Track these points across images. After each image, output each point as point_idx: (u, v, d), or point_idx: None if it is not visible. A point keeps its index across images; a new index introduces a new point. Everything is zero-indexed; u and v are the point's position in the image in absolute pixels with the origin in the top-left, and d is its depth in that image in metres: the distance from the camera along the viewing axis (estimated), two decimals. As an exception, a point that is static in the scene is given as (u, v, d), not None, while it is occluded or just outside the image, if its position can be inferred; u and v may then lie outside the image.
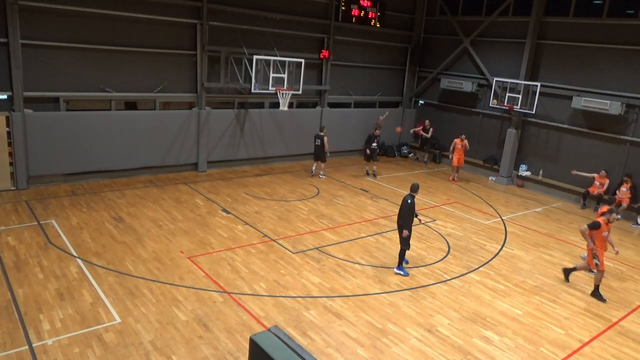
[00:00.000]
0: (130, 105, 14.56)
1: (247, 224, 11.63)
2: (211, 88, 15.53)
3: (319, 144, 16.11)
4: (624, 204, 14.74)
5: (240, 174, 15.92)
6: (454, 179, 17.70)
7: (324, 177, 16.39)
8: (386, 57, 20.70)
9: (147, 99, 14.63)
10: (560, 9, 16.66)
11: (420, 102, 21.69)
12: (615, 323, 8.69)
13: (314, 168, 16.53)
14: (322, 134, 16.22)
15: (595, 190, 15.38)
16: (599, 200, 15.33)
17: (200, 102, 15.37)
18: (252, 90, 14.77)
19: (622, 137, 15.40)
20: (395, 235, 11.66)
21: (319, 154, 16.24)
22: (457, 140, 17.66)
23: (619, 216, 14.74)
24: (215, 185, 14.43)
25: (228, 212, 12.25)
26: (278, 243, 10.71)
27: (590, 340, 8.05)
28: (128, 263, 9.19)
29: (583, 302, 9.34)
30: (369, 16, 18.94)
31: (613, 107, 14.87)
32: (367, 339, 7.47)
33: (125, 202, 12.37)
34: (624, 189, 14.87)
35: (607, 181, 15.24)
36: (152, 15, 13.93)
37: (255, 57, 14.50)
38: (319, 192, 14.71)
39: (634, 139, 15.13)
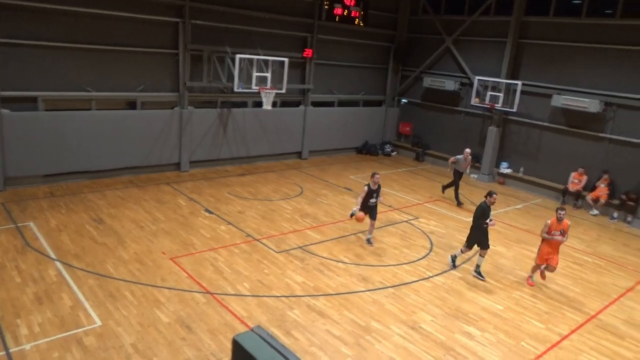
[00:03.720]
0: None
1: (230, 223, 11.57)
2: (194, 87, 15.41)
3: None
4: (602, 200, 15.03)
5: (223, 174, 15.83)
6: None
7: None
8: (370, 56, 20.77)
9: (128, 99, 14.45)
10: (541, 9, 16.90)
11: (403, 100, 21.81)
12: (594, 316, 8.86)
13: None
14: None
15: (574, 186, 15.65)
16: (577, 196, 15.62)
17: (182, 102, 15.23)
18: (235, 90, 14.69)
19: (600, 134, 15.69)
20: (379, 234, 11.76)
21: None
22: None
23: (596, 212, 15.05)
24: (198, 185, 14.32)
25: (211, 212, 12.17)
26: (261, 243, 10.68)
27: (570, 334, 8.19)
28: (109, 265, 9.07)
29: (563, 297, 9.50)
30: (353, 15, 18.97)
31: (592, 105, 15.14)
32: (350, 337, 7.49)
33: (105, 203, 12.20)
34: (602, 185, 15.18)
35: (585, 178, 15.53)
36: (134, 14, 13.75)
37: (238, 56, 14.42)
38: (302, 191, 14.70)
39: (612, 136, 15.42)
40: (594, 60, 15.72)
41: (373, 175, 10.76)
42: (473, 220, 9.81)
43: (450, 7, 19.69)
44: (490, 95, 17.31)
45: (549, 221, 9.40)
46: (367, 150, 20.81)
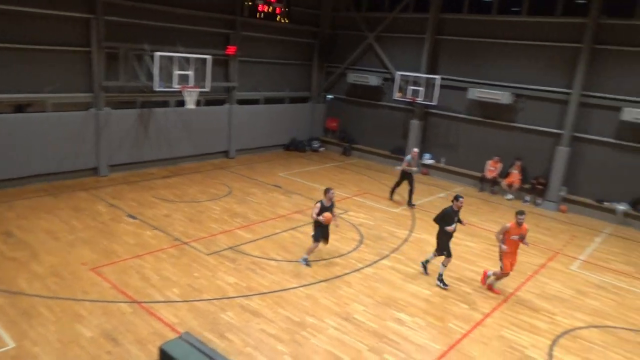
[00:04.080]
0: (19, 109, 13.26)
1: (156, 228, 11.11)
2: (110, 87, 14.59)
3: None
4: (516, 185, 16.15)
5: (146, 177, 15.16)
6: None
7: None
8: (294, 53, 20.79)
9: (36, 101, 13.40)
10: (456, 6, 17.78)
11: (328, 96, 22.06)
12: (512, 294, 9.49)
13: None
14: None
15: (490, 174, 16.67)
16: (493, 182, 16.66)
17: (98, 103, 14.37)
18: (156, 89, 14.10)
19: (512, 124, 16.81)
20: (310, 229, 11.80)
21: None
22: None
23: (511, 197, 16.16)
24: (119, 190, 13.61)
25: (134, 218, 11.62)
26: (190, 246, 10.36)
27: (492, 312, 8.71)
28: (21, 281, 8.38)
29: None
30: (276, 12, 18.88)
31: (504, 97, 16.20)
32: (286, 334, 7.47)
33: (14, 214, 11.24)
34: (515, 171, 16.29)
35: (500, 165, 16.59)
36: (40, 9, 12.75)
37: (157, 53, 13.85)
38: (231, 190, 14.44)
39: (522, 125, 16.58)
40: (505, 55, 16.78)
41: (327, 191, 9.60)
42: (439, 225, 9.52)
43: (372, 4, 20.17)
44: (412, 89, 17.95)
45: (508, 224, 9.07)
46: (294, 146, 20.85)
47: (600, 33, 14.72)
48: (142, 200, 12.87)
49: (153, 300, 8.12)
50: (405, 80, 18.24)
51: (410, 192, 14.48)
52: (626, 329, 8.57)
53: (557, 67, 15.70)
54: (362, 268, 10.02)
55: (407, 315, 8.33)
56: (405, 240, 11.82)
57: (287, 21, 19.33)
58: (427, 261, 10.02)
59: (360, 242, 11.41)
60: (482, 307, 8.84)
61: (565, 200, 15.74)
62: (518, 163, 16.33)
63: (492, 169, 16.69)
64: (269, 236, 11.25)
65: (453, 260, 10.75)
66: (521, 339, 7.95)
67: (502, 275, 9.33)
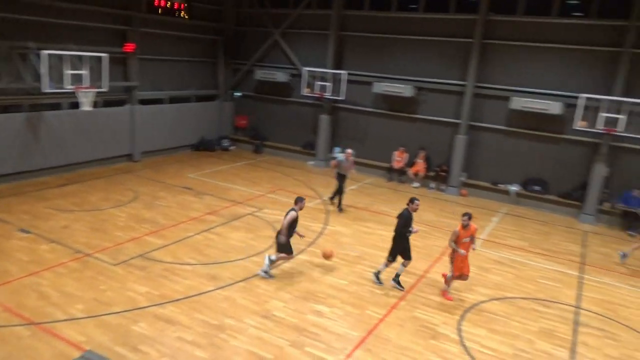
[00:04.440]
0: None
1: (53, 241, 10.21)
2: (-11, 89, 13.14)
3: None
4: (421, 173, 17.04)
5: (39, 186, 13.88)
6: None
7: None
8: (199, 50, 20.17)
9: None
10: (358, 3, 18.28)
11: (236, 94, 21.70)
12: (423, 276, 9.99)
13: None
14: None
15: (397, 164, 17.42)
16: (401, 172, 17.44)
17: (-25, 107, 12.89)
18: (45, 90, 12.92)
19: (415, 116, 17.68)
20: (225, 230, 11.58)
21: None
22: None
23: (417, 184, 17.02)
24: (7, 203, 12.32)
25: (27, 232, 10.59)
26: (94, 257, 9.66)
27: (405, 295, 9.11)
28: None
29: (396, 263, 10.48)
30: (175, 7, 18.15)
31: (407, 90, 16.98)
32: (204, 339, 7.24)
33: None
34: (419, 160, 17.18)
35: (406, 155, 17.40)
36: None
37: (44, 52, 12.68)
38: (137, 195, 13.69)
39: (424, 117, 17.51)
40: (406, 50, 17.58)
41: (301, 200, 9.34)
42: (395, 230, 9.18)
43: (276, 0, 20.09)
44: (319, 85, 18.20)
45: (456, 229, 8.81)
46: (204, 146, 20.27)
47: (489, 29, 15.94)
48: (35, 212, 11.76)
49: (54, 319, 7.46)
50: (313, 76, 18.45)
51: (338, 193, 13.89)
52: (523, 298, 9.39)
53: (453, 61, 16.76)
54: (280, 265, 9.99)
55: (326, 307, 8.45)
56: (321, 233, 11.98)
57: (187, 17, 18.67)
58: (379, 272, 9.53)
59: (277, 238, 11.37)
60: (395, 292, 9.21)
61: (465, 184, 16.91)
62: (422, 152, 17.24)
63: (398, 159, 17.46)
64: (181, 240, 10.83)
65: (367, 248, 11.14)
66: (433, 317, 8.40)
67: (453, 278, 9.02)
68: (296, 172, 18.02)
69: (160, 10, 17.51)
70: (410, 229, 9.14)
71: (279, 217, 12.67)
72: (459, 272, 8.97)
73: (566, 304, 9.37)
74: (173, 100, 19.28)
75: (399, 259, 9.36)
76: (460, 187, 16.82)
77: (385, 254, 10.75)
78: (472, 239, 8.96)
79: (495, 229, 13.61)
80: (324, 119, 19.03)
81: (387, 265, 9.43)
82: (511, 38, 15.77)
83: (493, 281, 10.09)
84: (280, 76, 19.67)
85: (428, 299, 9.04)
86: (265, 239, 11.28)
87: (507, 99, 15.75)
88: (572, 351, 7.76)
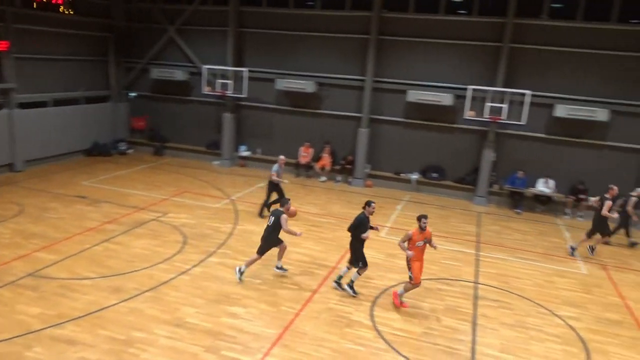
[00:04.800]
0: None
1: None
2: None
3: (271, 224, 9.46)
4: (327, 167, 17.37)
5: None
6: None
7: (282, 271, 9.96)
8: (87, 48, 18.71)
9: None
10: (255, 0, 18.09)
11: (131, 94, 20.49)
12: (334, 267, 10.18)
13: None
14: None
15: (304, 159, 17.59)
16: (307, 167, 17.62)
17: None
18: None
19: (318, 111, 17.96)
20: (127, 238, 10.89)
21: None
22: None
23: (324, 179, 17.34)
24: None
25: None
26: (-26, 280, 8.59)
27: (318, 287, 9.23)
28: None
29: (309, 257, 10.61)
30: (53, 2, 16.63)
31: (309, 86, 17.21)
32: (110, 356, 6.75)
33: None
34: (325, 155, 17.49)
35: (311, 150, 17.62)
36: None
37: None
38: (23, 209, 12.39)
39: (327, 111, 17.84)
40: (306, 47, 17.74)
41: (287, 202, 9.52)
42: (352, 235, 8.93)
43: (168, -5, 19.27)
44: (221, 83, 17.76)
45: (410, 232, 8.50)
46: (98, 151, 18.89)
47: (383, 25, 16.60)
48: None
49: None
50: (213, 74, 17.96)
51: (278, 201, 12.84)
52: (428, 279, 9.91)
53: (352, 57, 17.24)
54: (189, 269, 9.62)
55: (241, 308, 8.29)
56: (231, 234, 11.73)
57: (72, 12, 17.24)
58: (340, 277, 9.24)
59: (184, 243, 10.93)
60: (309, 285, 9.29)
61: (370, 176, 17.53)
62: (327, 147, 17.56)
63: (304, 154, 17.63)
64: (77, 253, 9.99)
65: (288, 247, 11.08)
66: (346, 307, 8.60)
67: (412, 286, 8.62)
68: (201, 173, 17.46)
69: (36, 4, 15.94)
70: (365, 235, 8.77)
71: (186, 221, 12.25)
72: (418, 280, 8.53)
73: (466, 281, 10.08)
74: (59, 102, 17.70)
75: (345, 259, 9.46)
76: (366, 179, 17.41)
77: (298, 248, 10.83)
78: (428, 243, 8.64)
79: (400, 215, 14.27)
80: (228, 118, 18.63)
81: (348, 269, 9.18)
82: (405, 34, 16.58)
83: (400, 266, 10.51)
84: (179, 74, 18.91)
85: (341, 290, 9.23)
86: (172, 244, 10.79)
87: (403, 92, 16.56)
88: (474, 323, 8.37)
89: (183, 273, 9.44)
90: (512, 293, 9.68)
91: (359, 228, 8.78)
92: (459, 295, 9.39)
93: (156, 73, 19.19)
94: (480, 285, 9.92)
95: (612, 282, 10.66)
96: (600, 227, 11.83)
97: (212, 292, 8.77)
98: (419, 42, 16.48)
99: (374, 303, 8.81)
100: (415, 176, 17.07)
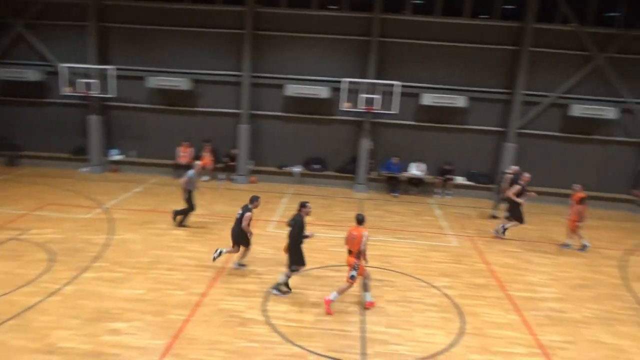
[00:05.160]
0: None
1: None
2: None
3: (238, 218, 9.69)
4: (209, 166, 16.87)
5: None
6: None
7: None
8: None
9: None
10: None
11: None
12: (223, 268, 9.91)
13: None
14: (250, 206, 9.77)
15: (183, 159, 16.88)
16: (187, 167, 16.89)
17: None
18: None
19: (195, 109, 17.34)
20: (-21, 262, 9.51)
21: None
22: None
23: (207, 178, 16.84)
24: None
25: None
26: None
27: (207, 290, 8.91)
28: None
29: (194, 259, 10.19)
30: None
31: (184, 83, 16.57)
32: (-36, 401, 5.84)
33: None
34: (206, 153, 16.96)
35: (191, 150, 16.97)
36: None
37: None
38: None
39: (204, 109, 17.31)
40: (179, 42, 17.00)
41: (256, 199, 9.77)
42: (290, 237, 8.72)
43: (10, -14, 17.07)
44: (83, 82, 16.26)
45: (365, 238, 8.27)
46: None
47: (258, 20, 16.48)
48: None
49: None
50: (74, 73, 16.38)
51: (182, 212, 12.26)
52: (317, 268, 10.14)
53: (228, 52, 16.90)
54: (60, 289, 8.68)
55: (124, 322, 7.69)
56: (107, 245, 10.82)
57: None
58: (279, 284, 8.97)
59: (52, 260, 9.83)
60: (197, 289, 8.93)
61: (254, 172, 17.41)
62: (208, 145, 17.04)
63: (183, 154, 16.93)
64: None
65: (161, 251, 10.55)
66: (238, 305, 8.43)
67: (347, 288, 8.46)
68: (67, 182, 15.87)
69: None
70: (307, 234, 8.75)
71: (53, 236, 11.05)
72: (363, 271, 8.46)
73: (353, 265, 10.47)
74: None
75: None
76: (249, 175, 17.25)
77: (182, 252, 10.41)
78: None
79: (285, 209, 14.38)
80: (94, 120, 17.14)
81: (292, 274, 8.96)
82: (279, 29, 16.67)
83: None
84: (32, 75, 16.96)
85: (231, 288, 9.03)
86: (36, 263, 9.64)
87: (281, 86, 16.66)
88: (362, 304, 8.73)
89: (52, 294, 8.48)
90: (394, 271, 10.29)
91: (301, 229, 8.72)
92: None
93: (2, 73, 16.97)
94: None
95: (478, 251, 11.86)
96: (512, 211, 12.71)
97: (89, 310, 8.01)
98: (294, 36, 16.69)
99: (265, 298, 8.75)
100: (298, 169, 17.33)
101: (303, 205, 8.91)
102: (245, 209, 9.59)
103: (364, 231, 8.37)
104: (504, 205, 13.61)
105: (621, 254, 12.34)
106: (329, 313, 8.33)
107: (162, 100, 17.34)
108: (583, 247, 12.24)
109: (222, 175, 17.17)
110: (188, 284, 9.13)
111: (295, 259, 8.82)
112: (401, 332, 7.96)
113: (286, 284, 9.02)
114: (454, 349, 7.59)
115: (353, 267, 8.27)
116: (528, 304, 9.20)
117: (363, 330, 7.93)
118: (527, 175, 12.84)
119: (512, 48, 16.23)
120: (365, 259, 8.49)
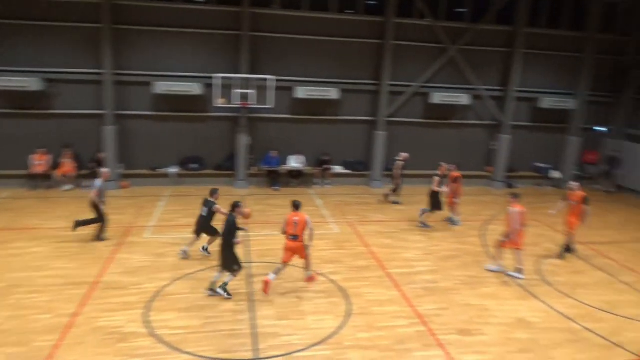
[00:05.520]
0: None
1: None
2: None
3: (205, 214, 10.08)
4: (71, 174, 15.33)
5: None
6: None
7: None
8: None
9: None
10: None
11: None
12: (96, 282, 9.07)
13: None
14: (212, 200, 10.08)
15: (39, 168, 15.08)
16: (45, 177, 15.18)
17: None
18: None
19: (49, 111, 15.58)
20: None
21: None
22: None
23: (70, 187, 15.29)
24: None
25: None
26: None
27: (80, 309, 8.09)
28: None
29: (62, 278, 9.19)
30: None
31: (34, 83, 14.75)
32: None
33: None
34: (66, 160, 15.38)
35: (48, 157, 15.22)
36: None
37: None
38: None
39: (60, 111, 15.60)
40: (29, 38, 14.96)
41: (216, 191, 10.23)
42: (224, 238, 8.48)
43: None
44: None
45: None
46: None
47: (117, 13, 15.19)
48: None
49: None
50: None
51: (93, 221, 11.24)
52: (201, 270, 9.76)
53: (86, 49, 15.35)
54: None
55: (-25, 360, 6.66)
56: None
57: None
58: (213, 283, 8.74)
59: None
60: (66, 309, 8.04)
61: (125, 176, 16.19)
62: (68, 151, 15.43)
63: (39, 162, 15.11)
64: None
65: (20, 273, 9.38)
66: (116, 320, 7.78)
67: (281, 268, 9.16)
68: None
69: None
70: (237, 240, 8.53)
71: None
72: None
73: (248, 262, 10.28)
74: None
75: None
76: (120, 180, 16.02)
77: (45, 271, 9.42)
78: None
79: (163, 212, 13.64)
80: None
81: (229, 275, 8.70)
82: (143, 23, 15.59)
83: (170, 264, 10.09)
84: None
85: (108, 303, 8.31)
86: None
87: (149, 84, 15.68)
88: (251, 301, 8.62)
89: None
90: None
91: (233, 232, 8.48)
92: (237, 279, 9.47)
93: None
94: (253, 264, 10.25)
95: (358, 235, 12.41)
96: (432, 201, 13.21)
97: None
98: (161, 31, 15.75)
99: (148, 308, 8.20)
100: (174, 170, 16.52)
101: (236, 205, 8.64)
102: (210, 203, 9.87)
103: (305, 215, 9.09)
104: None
105: (480, 224, 13.81)
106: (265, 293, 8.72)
107: (6, 103, 15.25)
108: (453, 222, 13.48)
109: (86, 183, 15.59)
110: (56, 305, 8.19)
111: (230, 263, 8.62)
112: (292, 323, 8.02)
113: (225, 290, 8.70)
114: (342, 330, 7.85)
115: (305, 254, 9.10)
116: (406, 279, 9.87)
117: (254, 327, 7.84)
118: (443, 165, 13.71)
119: (377, 42, 17.16)
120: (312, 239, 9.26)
